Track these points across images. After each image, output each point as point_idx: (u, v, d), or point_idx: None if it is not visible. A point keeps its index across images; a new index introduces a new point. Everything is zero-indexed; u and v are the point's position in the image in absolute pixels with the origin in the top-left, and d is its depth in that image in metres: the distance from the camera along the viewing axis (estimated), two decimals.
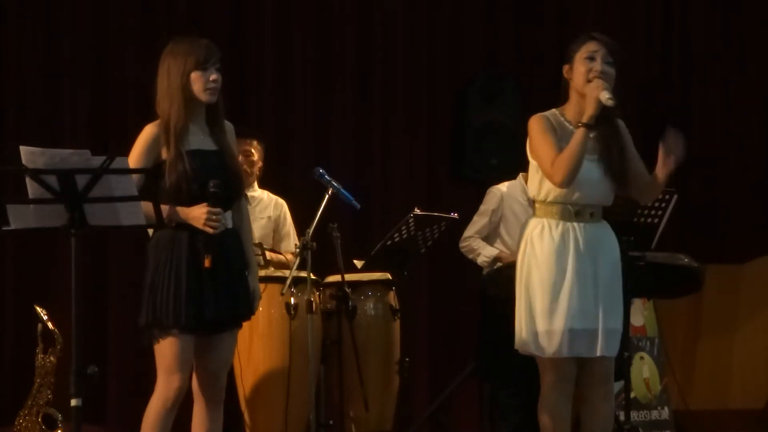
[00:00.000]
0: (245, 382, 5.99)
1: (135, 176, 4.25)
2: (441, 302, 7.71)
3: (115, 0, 7.36)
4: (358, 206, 5.91)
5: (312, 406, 5.81)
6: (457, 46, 7.89)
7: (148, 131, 4.68)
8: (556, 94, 4.91)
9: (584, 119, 4.70)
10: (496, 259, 6.48)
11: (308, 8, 7.65)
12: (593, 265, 4.79)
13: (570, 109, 4.84)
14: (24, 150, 4.05)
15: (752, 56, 8.18)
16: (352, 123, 7.68)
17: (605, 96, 4.67)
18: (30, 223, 4.12)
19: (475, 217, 6.64)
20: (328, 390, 6.16)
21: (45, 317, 6.27)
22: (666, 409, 7.27)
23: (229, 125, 4.82)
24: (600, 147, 4.80)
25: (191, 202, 4.59)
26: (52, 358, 6.29)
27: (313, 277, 5.87)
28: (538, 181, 4.86)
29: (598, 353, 4.75)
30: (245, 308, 4.75)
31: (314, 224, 5.77)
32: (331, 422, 6.04)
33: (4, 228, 4.13)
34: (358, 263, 6.39)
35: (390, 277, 6.36)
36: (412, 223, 6.23)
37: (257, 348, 5.98)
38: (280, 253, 6.38)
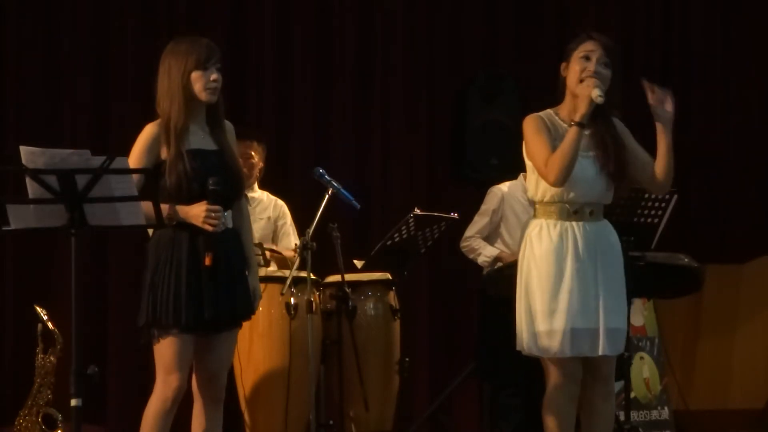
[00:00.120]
0: (245, 382, 5.99)
1: (135, 176, 4.26)
2: (441, 302, 7.72)
3: (115, 0, 7.36)
4: (358, 206, 5.91)
5: (312, 406, 5.82)
6: (457, 46, 7.89)
7: (148, 131, 4.69)
8: (555, 94, 4.92)
9: (576, 118, 4.71)
10: (497, 259, 6.48)
11: (308, 8, 7.65)
12: (594, 264, 4.78)
13: (564, 108, 4.84)
14: (24, 150, 4.05)
15: (752, 56, 8.18)
16: (352, 123, 7.68)
17: (596, 93, 4.67)
18: (30, 223, 4.13)
19: (476, 217, 6.64)
20: (328, 390, 6.16)
21: (45, 317, 6.27)
22: (666, 409, 7.27)
23: (229, 125, 4.82)
24: (595, 145, 4.80)
25: (191, 202, 4.59)
26: (52, 358, 6.29)
27: (313, 277, 5.87)
28: (534, 182, 4.86)
29: (600, 352, 4.75)
30: (245, 308, 4.75)
31: (314, 224, 5.77)
32: (331, 422, 6.04)
33: (4, 228, 4.13)
34: (358, 263, 6.39)
35: (390, 277, 6.36)
36: (412, 223, 6.23)
37: (257, 348, 5.98)
38: (280, 252, 6.37)
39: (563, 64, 4.84)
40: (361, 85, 7.72)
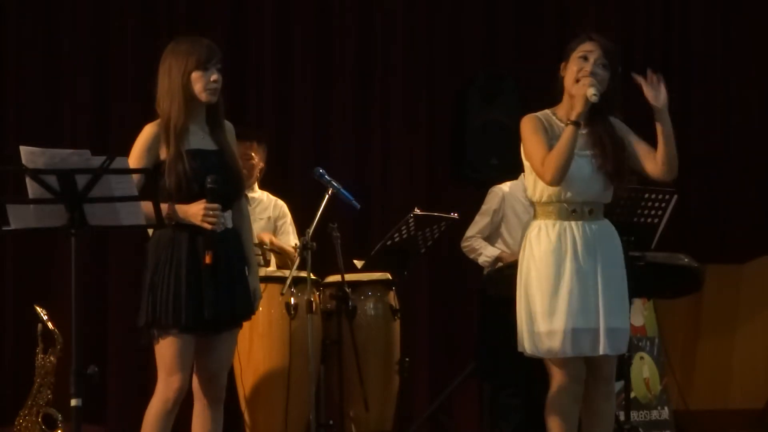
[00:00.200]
0: (245, 382, 5.99)
1: (135, 176, 4.26)
2: (441, 302, 7.71)
3: (115, 0, 7.36)
4: (358, 206, 5.91)
5: (312, 406, 5.82)
6: (457, 46, 7.89)
7: (148, 131, 4.68)
8: (554, 94, 4.92)
9: (572, 117, 4.71)
10: (498, 259, 6.48)
11: (308, 8, 7.65)
12: (594, 264, 4.78)
13: (562, 108, 4.85)
14: (24, 150, 4.05)
15: (752, 56, 8.18)
16: (352, 123, 7.68)
17: (591, 92, 4.68)
18: (30, 223, 4.13)
19: (477, 217, 6.63)
20: (328, 390, 6.16)
21: (45, 317, 6.27)
22: (666, 409, 7.27)
23: (229, 125, 4.82)
24: (593, 144, 4.80)
25: (191, 202, 4.59)
26: (52, 358, 6.29)
27: (313, 277, 5.87)
28: (532, 182, 4.87)
29: (601, 352, 4.75)
30: (245, 308, 4.75)
31: (314, 224, 5.77)
32: (331, 422, 6.04)
33: (4, 228, 4.13)
34: (358, 263, 6.39)
35: (390, 277, 6.36)
36: (412, 223, 6.22)
37: (257, 348, 5.98)
38: (282, 247, 6.35)
39: (562, 64, 4.85)
40: (361, 85, 7.72)
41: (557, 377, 4.82)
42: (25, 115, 7.20)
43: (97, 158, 4.07)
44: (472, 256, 6.61)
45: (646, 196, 5.98)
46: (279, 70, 7.57)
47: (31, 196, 4.10)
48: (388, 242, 6.27)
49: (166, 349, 4.59)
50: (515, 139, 4.91)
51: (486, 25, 7.95)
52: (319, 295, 6.11)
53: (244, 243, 4.78)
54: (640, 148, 4.82)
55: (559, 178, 4.72)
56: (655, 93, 4.70)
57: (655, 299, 7.20)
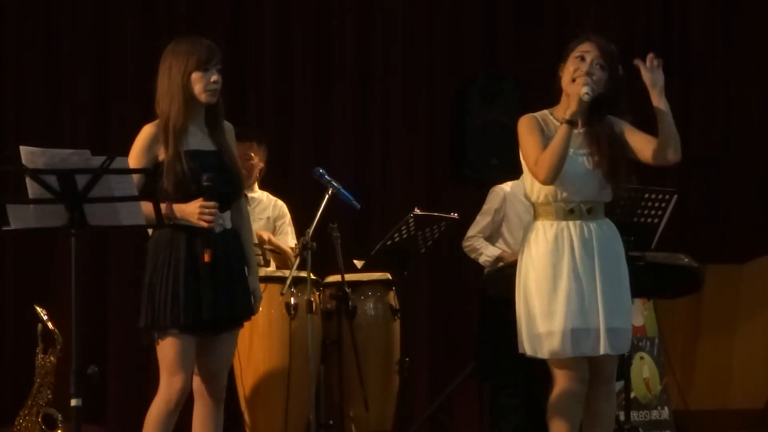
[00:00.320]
0: (245, 382, 5.99)
1: (135, 176, 4.26)
2: (441, 302, 7.71)
3: (115, 0, 7.36)
4: (358, 206, 5.91)
5: (312, 406, 5.82)
6: (457, 46, 7.89)
7: (147, 131, 4.68)
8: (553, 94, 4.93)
9: (566, 116, 4.72)
10: (498, 258, 6.47)
11: (308, 8, 7.65)
12: (591, 263, 4.77)
13: (560, 108, 4.85)
14: (24, 150, 4.05)
15: (752, 56, 8.18)
16: (352, 123, 7.68)
17: (583, 91, 4.68)
18: (30, 223, 4.13)
19: (478, 217, 6.63)
20: (328, 390, 6.16)
21: (45, 317, 6.27)
22: (666, 409, 7.27)
23: (228, 126, 4.82)
24: (589, 143, 4.80)
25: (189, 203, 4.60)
26: (52, 358, 6.29)
27: (313, 277, 5.87)
28: (530, 183, 4.88)
29: (602, 352, 4.74)
30: (244, 309, 4.75)
31: (314, 224, 5.77)
32: (331, 422, 6.04)
33: (4, 228, 4.13)
34: (358, 263, 6.39)
35: (390, 277, 6.36)
36: (412, 223, 6.23)
37: (257, 348, 5.98)
38: (281, 246, 6.35)
39: (561, 65, 4.85)
40: (361, 85, 7.72)
41: (560, 378, 4.81)
42: (25, 115, 7.20)
43: (97, 158, 4.07)
44: (473, 255, 6.60)
45: (646, 196, 5.98)
46: (279, 70, 7.57)
47: (31, 196, 4.10)
48: (388, 242, 6.27)
49: (167, 350, 4.59)
50: (515, 139, 4.91)
51: (486, 25, 7.95)
52: (319, 295, 6.11)
53: (244, 243, 4.78)
54: (641, 138, 4.80)
55: (552, 176, 4.72)
56: (654, 76, 4.70)
57: (655, 299, 7.20)
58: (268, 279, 5.96)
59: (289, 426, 5.96)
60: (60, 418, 6.30)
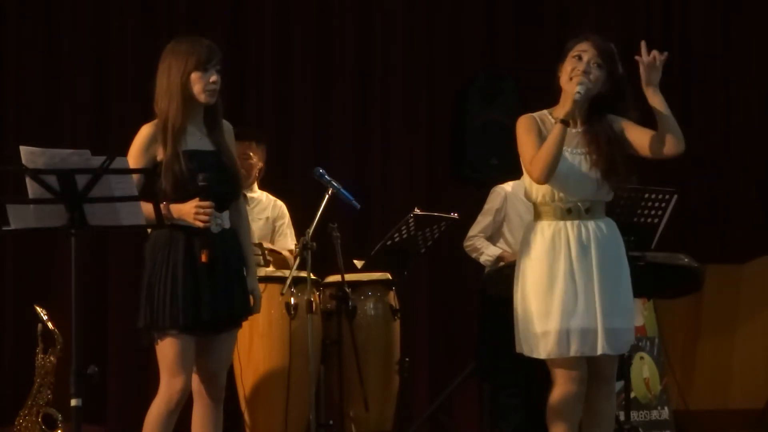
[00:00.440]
0: (245, 382, 5.99)
1: (134, 176, 4.25)
2: (441, 302, 7.71)
3: (115, 0, 7.36)
4: (358, 206, 5.91)
5: (312, 406, 5.82)
6: (457, 46, 7.89)
7: (145, 131, 4.68)
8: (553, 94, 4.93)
9: (561, 115, 4.72)
10: (499, 258, 6.47)
11: (308, 8, 7.65)
12: (589, 263, 4.77)
13: (558, 108, 4.86)
14: (24, 150, 4.05)
15: (752, 56, 8.18)
16: (352, 123, 7.68)
17: (575, 89, 4.68)
18: (30, 223, 4.13)
19: (479, 217, 6.63)
20: (328, 390, 6.16)
21: (45, 317, 6.27)
22: (666, 409, 7.27)
23: (227, 125, 4.82)
24: (587, 142, 4.80)
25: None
26: (52, 358, 6.29)
27: (313, 277, 5.87)
28: (530, 183, 4.88)
29: (599, 352, 4.74)
30: (243, 308, 4.74)
31: (314, 224, 5.77)
32: (331, 422, 6.04)
33: (4, 228, 4.13)
34: (358, 263, 6.39)
35: (390, 277, 6.36)
36: (412, 223, 6.23)
37: (257, 348, 5.98)
38: (279, 252, 6.37)
39: (560, 65, 4.85)
40: (361, 85, 7.72)
41: (558, 379, 4.81)
42: (25, 115, 7.20)
43: (97, 158, 4.07)
44: (474, 255, 6.60)
45: (646, 196, 5.98)
46: (279, 70, 7.57)
47: (31, 196, 4.10)
48: (388, 242, 6.27)
49: (167, 351, 4.58)
50: (515, 139, 4.92)
51: (486, 25, 7.95)
52: (319, 295, 6.11)
53: (242, 243, 4.77)
54: (640, 133, 4.78)
55: (546, 175, 4.73)
56: (650, 74, 4.69)
57: (655, 299, 7.20)
58: (268, 279, 5.96)
59: (289, 426, 5.96)
60: (60, 418, 6.31)
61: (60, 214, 4.10)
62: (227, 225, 4.67)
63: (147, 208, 4.30)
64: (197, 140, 4.69)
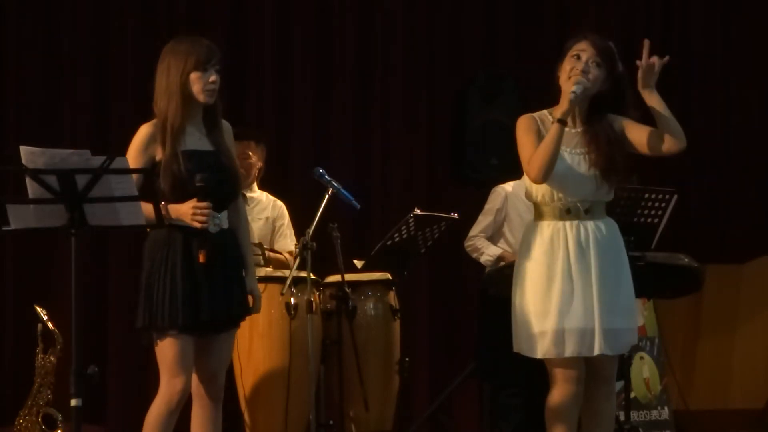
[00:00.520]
0: (245, 382, 5.99)
1: (134, 176, 4.25)
2: (441, 302, 7.71)
3: (115, 0, 7.36)
4: (358, 206, 5.91)
5: (312, 406, 5.81)
6: (457, 46, 7.89)
7: (144, 131, 4.68)
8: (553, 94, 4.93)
9: (558, 114, 4.73)
10: (500, 258, 6.47)
11: (308, 8, 7.65)
12: (587, 263, 4.77)
13: (557, 108, 4.86)
14: (24, 150, 4.05)
15: (752, 56, 8.18)
16: (352, 123, 7.68)
17: (570, 89, 4.68)
18: (30, 223, 4.13)
19: (480, 217, 6.63)
20: (328, 390, 6.15)
21: (45, 317, 6.27)
22: (666, 409, 7.27)
23: (227, 125, 4.81)
24: (587, 142, 4.80)
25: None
26: (52, 358, 6.29)
27: (313, 277, 5.87)
28: (529, 183, 4.88)
29: (596, 352, 4.74)
30: (242, 308, 4.74)
31: (314, 224, 5.77)
32: (331, 422, 6.04)
33: (4, 228, 4.13)
34: (358, 263, 6.39)
35: (390, 277, 6.36)
36: (412, 223, 6.22)
37: (257, 348, 5.98)
38: (279, 253, 6.37)
39: (559, 65, 4.85)
40: (361, 85, 7.72)
41: (556, 378, 4.82)
42: (25, 115, 7.20)
43: (97, 158, 4.07)
44: (474, 255, 6.60)
45: (646, 196, 5.98)
46: (279, 70, 7.57)
47: (31, 196, 4.10)
48: (388, 242, 6.27)
49: (166, 351, 4.58)
50: (515, 139, 4.92)
51: (486, 25, 7.95)
52: (319, 295, 6.11)
53: (241, 243, 4.77)
54: (640, 131, 4.78)
55: (543, 175, 4.73)
56: (646, 77, 4.69)
57: (655, 299, 7.20)
58: (268, 279, 5.96)
59: (289, 426, 5.96)
60: (60, 418, 6.30)
61: (60, 214, 4.10)
62: (225, 225, 4.67)
63: (147, 208, 4.30)
64: (196, 140, 4.68)
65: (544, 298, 4.76)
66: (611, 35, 4.97)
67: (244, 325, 4.84)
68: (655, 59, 4.67)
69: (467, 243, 6.61)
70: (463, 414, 7.57)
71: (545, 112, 4.89)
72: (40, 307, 6.31)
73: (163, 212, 4.49)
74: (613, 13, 8.08)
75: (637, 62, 4.69)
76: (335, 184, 5.84)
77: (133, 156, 4.61)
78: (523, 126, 4.85)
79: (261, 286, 5.07)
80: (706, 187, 8.06)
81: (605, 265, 4.80)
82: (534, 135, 4.80)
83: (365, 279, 6.29)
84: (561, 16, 8.01)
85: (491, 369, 6.42)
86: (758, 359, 7.98)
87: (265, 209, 6.49)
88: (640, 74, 4.69)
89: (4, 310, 7.09)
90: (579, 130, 4.83)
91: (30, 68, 7.23)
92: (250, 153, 6.43)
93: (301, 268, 5.86)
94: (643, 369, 7.23)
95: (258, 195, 6.51)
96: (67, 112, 7.26)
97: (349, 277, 6.11)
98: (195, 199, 4.55)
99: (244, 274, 4.76)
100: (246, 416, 6.03)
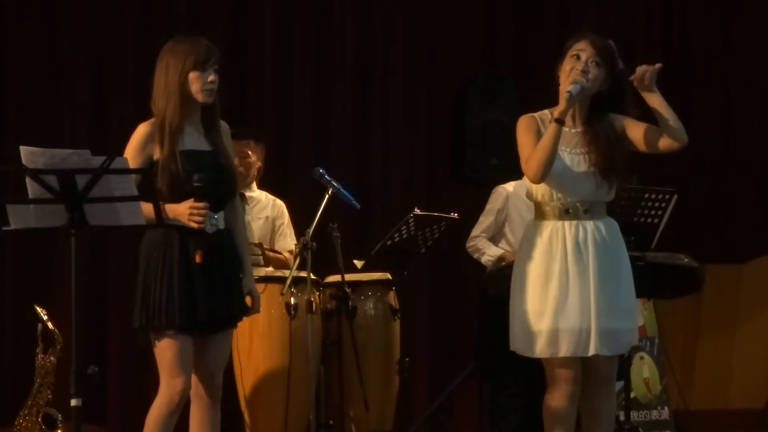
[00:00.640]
0: (245, 382, 5.99)
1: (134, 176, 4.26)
2: (441, 302, 7.71)
3: (115, 0, 7.36)
4: (358, 206, 5.91)
5: (312, 406, 5.82)
6: (457, 46, 7.89)
7: (142, 130, 4.68)
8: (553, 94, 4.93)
9: (555, 114, 4.73)
10: (500, 258, 6.47)
11: (308, 8, 7.65)
12: (585, 263, 4.76)
13: (556, 108, 4.86)
14: (24, 150, 4.05)
15: (752, 56, 8.18)
16: (352, 123, 7.68)
17: (566, 88, 4.68)
18: (30, 223, 4.13)
19: (481, 217, 6.62)
20: (328, 390, 6.16)
21: (45, 317, 6.27)
22: (666, 409, 7.27)
23: (224, 125, 4.81)
24: (587, 141, 4.80)
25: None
26: (52, 358, 6.29)
27: (313, 277, 5.87)
28: (530, 183, 4.88)
29: (592, 352, 4.73)
30: (240, 308, 4.74)
31: (314, 224, 5.77)
32: (331, 422, 6.04)
33: (4, 228, 4.13)
34: (358, 263, 6.39)
35: (390, 277, 6.36)
36: (412, 223, 6.22)
37: (257, 348, 5.98)
38: (279, 253, 6.37)
39: (559, 65, 4.85)
40: (361, 85, 7.72)
41: (553, 378, 4.82)
42: (25, 115, 7.20)
43: (97, 158, 4.07)
44: (475, 256, 6.60)
45: (646, 196, 5.98)
46: (279, 70, 7.57)
47: (31, 196, 4.10)
48: (388, 242, 6.27)
49: (165, 351, 4.58)
50: (515, 139, 4.92)
51: (486, 25, 7.95)
52: (319, 295, 6.11)
53: (238, 244, 4.77)
54: (640, 129, 4.77)
55: (541, 174, 4.73)
56: (642, 85, 4.69)
57: (655, 299, 7.20)
58: (268, 279, 5.96)
59: (289, 426, 5.96)
60: (60, 418, 6.30)
61: (60, 214, 4.10)
62: (222, 225, 4.66)
63: (146, 207, 4.30)
64: (194, 140, 4.68)
65: (540, 298, 4.77)
66: (611, 35, 4.97)
67: (244, 325, 4.85)
68: (644, 68, 4.66)
69: (469, 244, 6.61)
70: (463, 414, 7.57)
71: (546, 111, 4.88)
72: (40, 307, 6.31)
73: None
74: (613, 13, 8.08)
75: (631, 78, 4.69)
76: (335, 184, 5.84)
77: (131, 155, 4.61)
78: (523, 126, 4.85)
79: (261, 286, 5.07)
80: (706, 187, 8.06)
81: (604, 265, 4.79)
82: (534, 135, 4.80)
83: (365, 279, 6.29)
84: (561, 16, 8.01)
85: (491, 369, 6.42)
86: (758, 359, 7.98)
87: (265, 209, 6.49)
88: (636, 84, 4.69)
89: (4, 310, 7.09)
90: (579, 129, 4.83)
91: (30, 68, 7.22)
92: (249, 152, 6.42)
93: (301, 268, 5.86)
94: (643, 369, 7.23)
95: (257, 194, 6.51)
96: (67, 112, 7.26)
97: (349, 277, 6.12)
98: (192, 199, 4.55)
99: (241, 274, 4.75)
100: (246, 416, 6.03)
